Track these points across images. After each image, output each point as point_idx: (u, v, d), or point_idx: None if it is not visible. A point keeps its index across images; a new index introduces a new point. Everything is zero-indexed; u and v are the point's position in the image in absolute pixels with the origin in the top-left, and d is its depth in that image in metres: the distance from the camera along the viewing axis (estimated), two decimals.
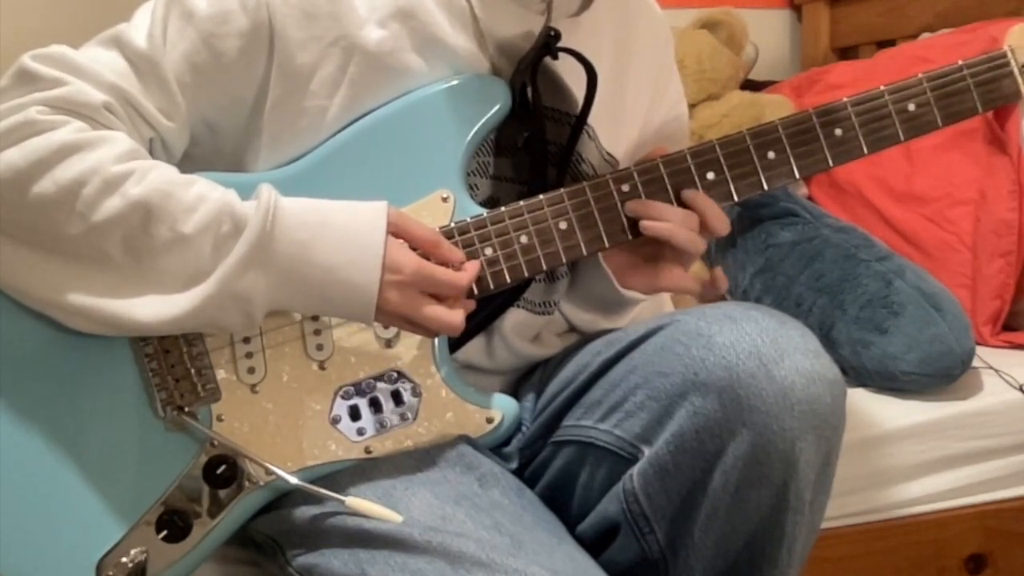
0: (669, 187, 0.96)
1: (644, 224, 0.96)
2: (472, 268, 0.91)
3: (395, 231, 0.87)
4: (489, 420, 0.94)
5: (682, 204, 0.97)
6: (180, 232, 0.84)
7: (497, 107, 0.96)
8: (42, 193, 0.84)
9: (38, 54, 0.90)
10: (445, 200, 0.95)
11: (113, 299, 0.85)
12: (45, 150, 0.84)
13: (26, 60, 0.90)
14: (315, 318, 0.93)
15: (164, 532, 0.89)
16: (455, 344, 0.98)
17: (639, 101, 1.09)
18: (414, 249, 0.88)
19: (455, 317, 0.88)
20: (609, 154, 1.04)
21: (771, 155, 0.97)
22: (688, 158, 0.96)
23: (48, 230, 0.85)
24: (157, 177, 0.86)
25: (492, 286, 0.94)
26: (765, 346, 0.83)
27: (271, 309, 0.87)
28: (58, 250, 0.85)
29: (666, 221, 0.95)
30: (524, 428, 1.00)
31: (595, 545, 0.93)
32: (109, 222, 0.84)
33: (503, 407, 0.95)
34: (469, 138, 0.95)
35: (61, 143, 0.85)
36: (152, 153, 0.95)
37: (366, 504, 0.86)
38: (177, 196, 0.85)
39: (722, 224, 0.97)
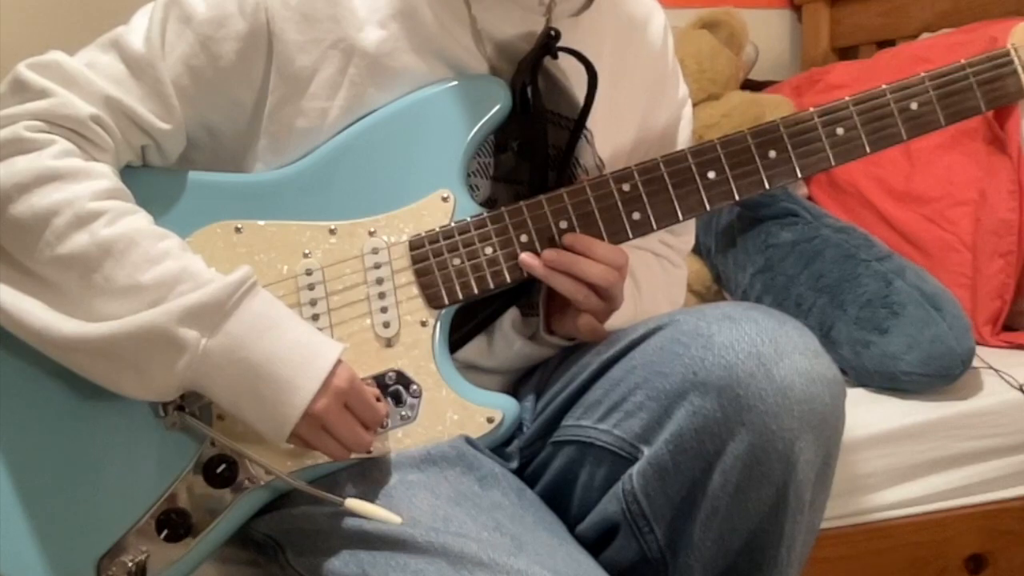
0: (670, 186, 0.96)
1: (520, 259, 0.94)
2: (383, 409, 0.91)
3: (348, 378, 0.87)
4: (490, 419, 0.94)
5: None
6: (137, 280, 0.84)
7: (497, 107, 0.96)
8: (17, 215, 0.85)
9: (33, 62, 0.91)
10: (445, 200, 0.95)
11: (50, 311, 0.85)
12: (27, 173, 0.86)
13: (20, 68, 0.91)
14: (316, 317, 0.93)
15: (164, 532, 0.89)
16: (456, 344, 0.98)
17: (637, 102, 1.09)
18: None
19: (365, 440, 0.88)
20: (600, 159, 1.04)
21: (772, 154, 0.96)
22: (689, 157, 0.95)
23: (17, 249, 0.86)
24: (128, 224, 0.86)
25: (492, 286, 0.94)
26: (764, 346, 0.83)
27: (190, 385, 0.85)
28: (17, 264, 0.86)
29: (590, 257, 0.93)
30: (524, 428, 1.00)
31: (595, 545, 0.93)
32: (72, 257, 0.84)
33: (504, 406, 0.95)
34: (469, 138, 0.95)
35: (43, 169, 0.86)
36: (145, 159, 0.95)
37: (365, 505, 0.86)
38: (143, 247, 0.85)
39: (609, 262, 0.94)
